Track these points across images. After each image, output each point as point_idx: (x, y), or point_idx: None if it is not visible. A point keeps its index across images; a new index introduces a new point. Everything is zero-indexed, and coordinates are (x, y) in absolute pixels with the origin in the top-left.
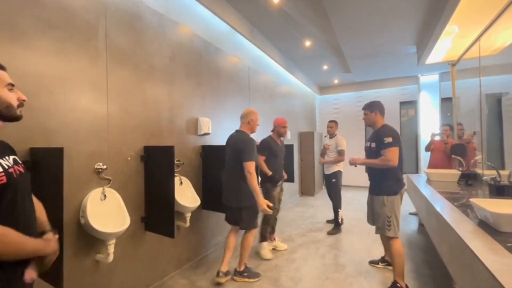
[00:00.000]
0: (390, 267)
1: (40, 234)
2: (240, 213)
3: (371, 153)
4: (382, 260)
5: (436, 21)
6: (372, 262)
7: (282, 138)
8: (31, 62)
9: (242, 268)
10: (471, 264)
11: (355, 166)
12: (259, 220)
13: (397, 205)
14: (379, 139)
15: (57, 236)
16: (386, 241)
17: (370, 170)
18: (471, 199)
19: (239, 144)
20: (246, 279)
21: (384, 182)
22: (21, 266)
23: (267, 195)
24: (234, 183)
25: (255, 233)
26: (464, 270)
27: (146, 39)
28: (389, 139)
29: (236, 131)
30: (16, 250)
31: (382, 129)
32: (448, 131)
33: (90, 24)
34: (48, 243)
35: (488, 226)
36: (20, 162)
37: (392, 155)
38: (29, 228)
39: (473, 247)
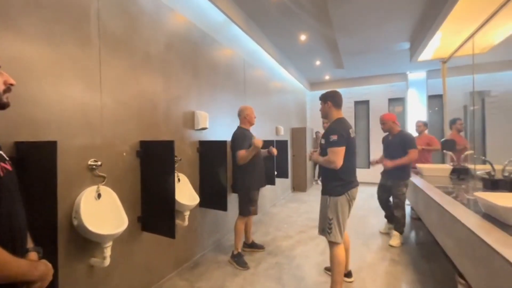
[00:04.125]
0: (348, 279)
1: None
2: (238, 198)
3: (322, 150)
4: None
5: (433, 17)
6: (328, 269)
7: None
8: (15, 44)
9: (235, 252)
10: (487, 258)
11: (310, 159)
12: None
13: (341, 207)
14: (326, 135)
15: (43, 260)
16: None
17: (320, 168)
18: (475, 193)
19: (231, 138)
20: (235, 264)
21: (329, 182)
22: None
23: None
24: (234, 171)
25: (244, 220)
26: (476, 264)
27: (141, 25)
28: (334, 137)
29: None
30: None
31: (332, 124)
32: (421, 127)
33: (81, 6)
34: (35, 266)
35: (493, 220)
36: (7, 158)
37: (334, 156)
38: (18, 238)
39: (490, 242)
